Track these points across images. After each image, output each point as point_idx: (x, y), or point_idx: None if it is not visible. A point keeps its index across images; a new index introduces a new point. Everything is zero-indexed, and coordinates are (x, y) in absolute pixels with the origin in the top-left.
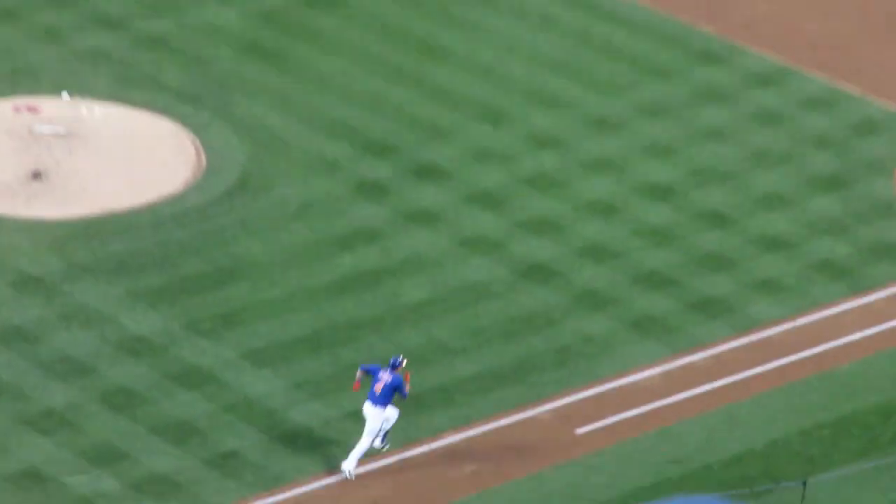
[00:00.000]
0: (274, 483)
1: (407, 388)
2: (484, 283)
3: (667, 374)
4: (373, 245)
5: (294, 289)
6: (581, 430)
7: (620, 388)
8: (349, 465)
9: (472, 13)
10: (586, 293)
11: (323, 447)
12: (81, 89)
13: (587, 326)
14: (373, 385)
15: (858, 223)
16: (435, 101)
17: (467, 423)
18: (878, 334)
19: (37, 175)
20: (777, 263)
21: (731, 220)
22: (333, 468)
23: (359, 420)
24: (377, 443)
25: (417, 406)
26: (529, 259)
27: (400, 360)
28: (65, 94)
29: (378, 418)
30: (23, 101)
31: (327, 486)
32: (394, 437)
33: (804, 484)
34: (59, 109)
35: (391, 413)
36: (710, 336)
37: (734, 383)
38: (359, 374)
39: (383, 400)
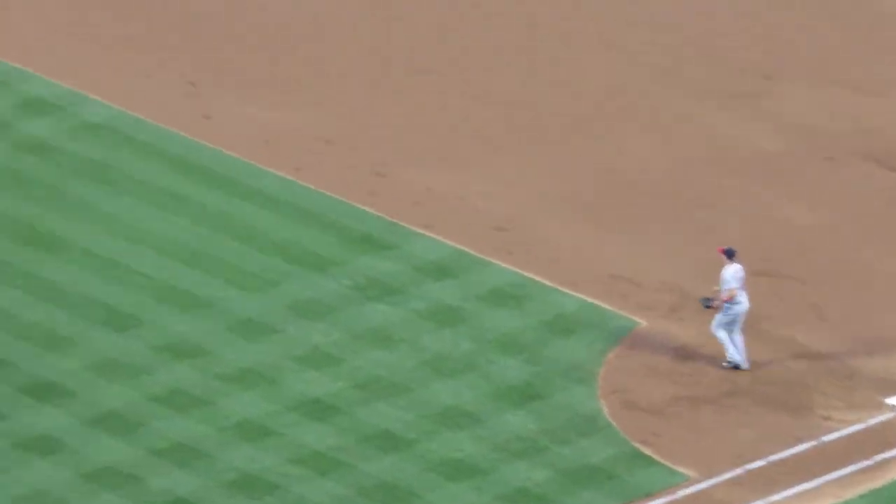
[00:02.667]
0: None
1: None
2: None
3: None
4: None
5: None
6: None
7: None
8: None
9: (88, 193)
10: None
11: None
12: None
13: None
14: None
15: (556, 443)
16: (49, 303)
17: None
18: None
19: None
20: (463, 494)
21: (406, 442)
22: None
23: None
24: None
25: None
26: (169, 495)
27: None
28: None
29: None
30: None
31: None
32: None
33: None
34: None
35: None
36: None
37: None
38: None
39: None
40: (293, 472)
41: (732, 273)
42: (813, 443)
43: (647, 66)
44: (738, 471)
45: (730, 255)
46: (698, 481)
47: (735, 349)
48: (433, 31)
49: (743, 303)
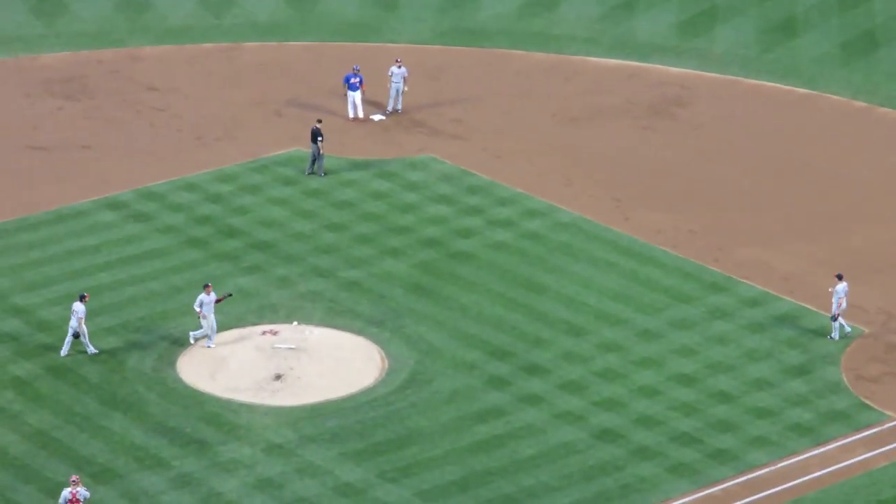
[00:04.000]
0: None
1: None
2: (570, 443)
3: None
4: (499, 419)
5: (448, 449)
6: None
7: None
8: None
9: (559, 261)
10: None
11: None
12: (304, 318)
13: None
14: None
15: None
16: (537, 321)
17: None
18: None
19: (278, 377)
20: None
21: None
22: None
23: None
24: None
25: None
26: (600, 426)
27: None
28: (294, 322)
29: None
30: (267, 327)
31: None
32: None
33: None
34: (290, 332)
35: None
36: None
37: None
38: None
39: None
40: None
41: None
42: None
43: None
44: None
45: None
46: None
47: None
48: None
49: None
